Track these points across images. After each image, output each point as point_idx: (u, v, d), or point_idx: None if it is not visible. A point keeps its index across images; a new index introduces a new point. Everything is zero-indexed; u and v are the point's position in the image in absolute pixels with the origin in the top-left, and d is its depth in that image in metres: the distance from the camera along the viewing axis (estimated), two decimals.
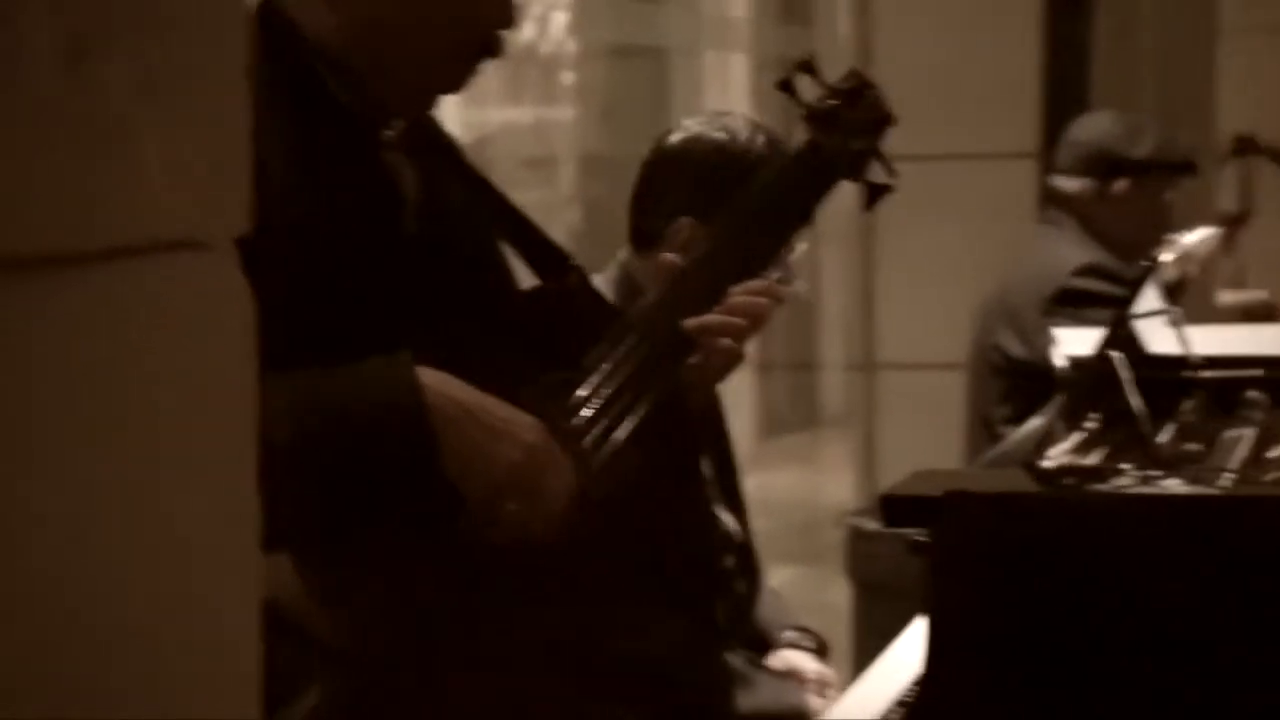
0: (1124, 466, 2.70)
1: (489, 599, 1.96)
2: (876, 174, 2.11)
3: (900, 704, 2.37)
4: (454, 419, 1.89)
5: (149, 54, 0.99)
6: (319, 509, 1.88)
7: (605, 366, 2.02)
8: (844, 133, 2.11)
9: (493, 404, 1.92)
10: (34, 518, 0.93)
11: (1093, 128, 4.51)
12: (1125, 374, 2.68)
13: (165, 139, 1.00)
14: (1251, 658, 2.08)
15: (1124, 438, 2.78)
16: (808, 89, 2.15)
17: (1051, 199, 4.54)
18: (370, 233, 2.00)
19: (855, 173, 2.11)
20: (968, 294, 4.83)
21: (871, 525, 4.70)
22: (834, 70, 2.17)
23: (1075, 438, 2.62)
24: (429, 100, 2.07)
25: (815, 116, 2.12)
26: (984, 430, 4.32)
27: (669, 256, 2.17)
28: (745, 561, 3.00)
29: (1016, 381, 4.27)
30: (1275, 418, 3.06)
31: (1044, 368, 3.94)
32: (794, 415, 11.26)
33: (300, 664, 1.86)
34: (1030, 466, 2.48)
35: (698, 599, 2.79)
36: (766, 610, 3.02)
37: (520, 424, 1.93)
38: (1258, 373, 3.17)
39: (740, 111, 3.00)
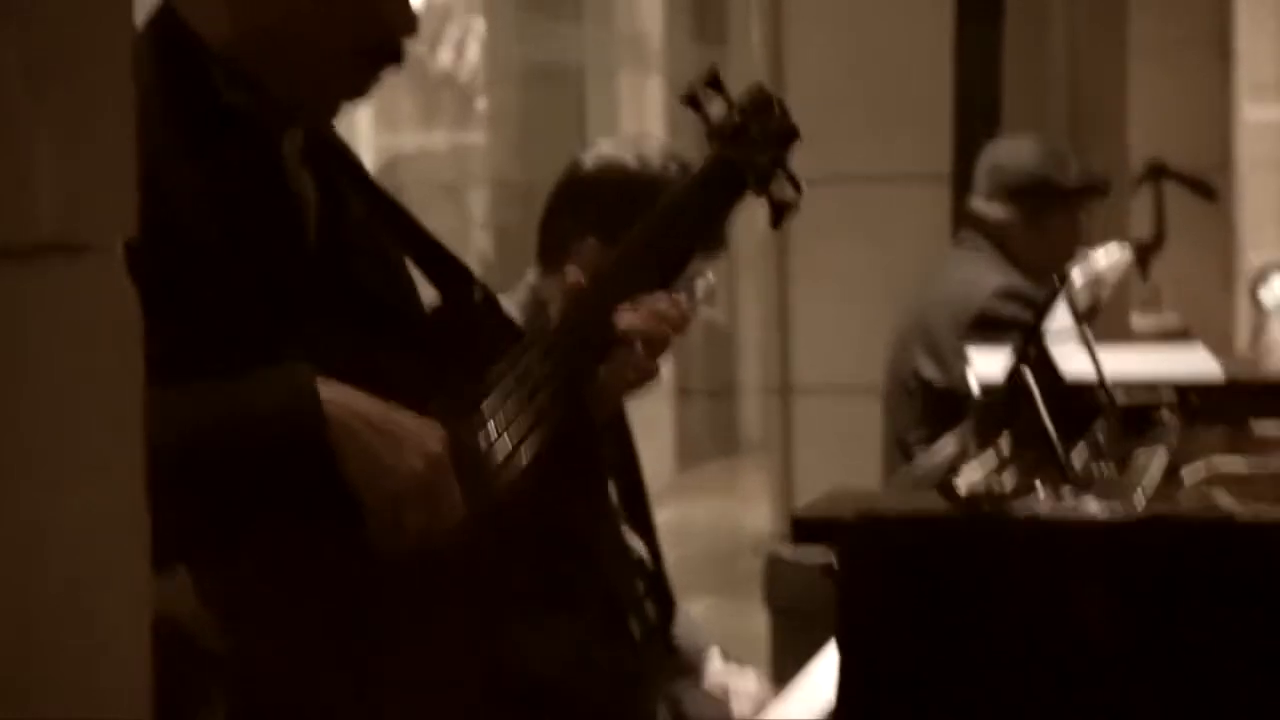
0: (1036, 487, 2.70)
1: (386, 612, 1.94)
2: (783, 190, 2.09)
3: None
4: (353, 428, 1.87)
5: (34, 46, 0.96)
6: (214, 518, 1.85)
7: (508, 382, 2.00)
8: (749, 147, 2.10)
9: (394, 413, 1.90)
10: None
11: (1018, 155, 4.50)
12: (1036, 393, 2.67)
13: (50, 137, 0.97)
14: (1166, 677, 2.07)
15: (1036, 458, 2.79)
16: (715, 104, 2.12)
17: (969, 222, 4.53)
18: (269, 241, 1.98)
19: (761, 188, 2.10)
20: (882, 316, 4.83)
21: (788, 552, 4.66)
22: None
23: (987, 459, 2.61)
24: (330, 107, 2.05)
25: (720, 131, 2.10)
26: (901, 454, 4.31)
27: (573, 271, 2.14)
28: (657, 587, 2.98)
29: (932, 405, 4.26)
30: (1186, 438, 3.07)
31: (960, 391, 3.97)
32: (712, 443, 11.23)
33: (200, 680, 1.84)
34: (942, 487, 2.47)
35: (605, 618, 2.80)
36: (684, 634, 3.00)
37: (422, 433, 1.91)
38: (1168, 394, 3.19)
39: (656, 136, 3.01)
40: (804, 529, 2.25)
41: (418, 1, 2.03)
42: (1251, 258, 10.68)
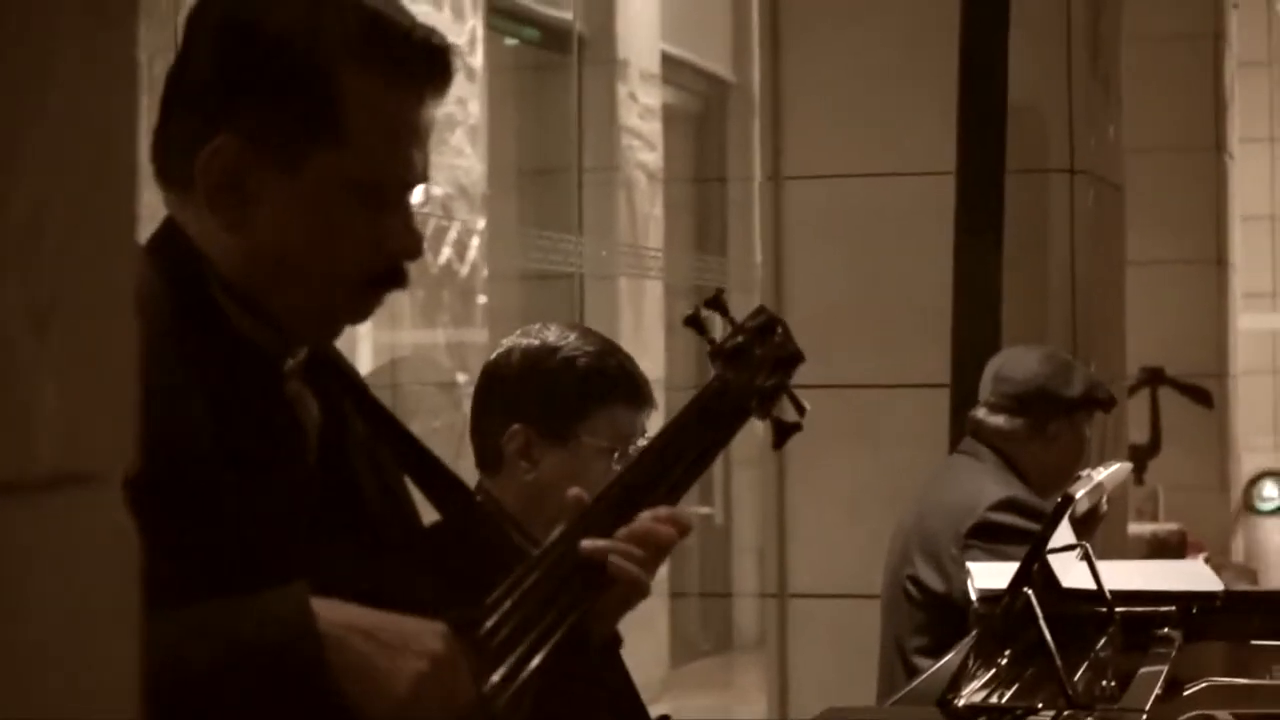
0: (1039, 706, 2.68)
1: None
2: (786, 411, 2.08)
3: None
4: (346, 641, 1.83)
5: (38, 283, 0.96)
6: None
7: (509, 602, 1.98)
8: (752, 370, 2.08)
9: (390, 620, 1.87)
10: None
11: (1023, 367, 4.53)
12: (1040, 615, 2.67)
13: (54, 369, 0.97)
14: None
15: (1037, 674, 2.78)
16: (717, 326, 2.13)
17: (972, 431, 4.54)
18: (271, 465, 1.96)
19: (764, 410, 2.08)
20: (880, 523, 4.82)
21: None
22: (746, 301, 2.14)
23: (988, 675, 2.60)
24: (333, 330, 2.04)
25: (723, 353, 2.09)
26: (900, 660, 4.28)
27: (576, 491, 2.13)
28: None
29: (932, 614, 4.27)
30: (1187, 654, 3.05)
31: (960, 601, 3.97)
32: (706, 640, 11.17)
33: None
34: (943, 705, 2.46)
35: None
36: None
37: (423, 634, 1.87)
38: (1170, 608, 3.18)
39: (562, 322, 3.04)
40: None
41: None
42: (1245, 463, 10.71)
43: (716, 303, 2.12)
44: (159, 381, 1.78)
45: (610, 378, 2.93)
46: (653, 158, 9.76)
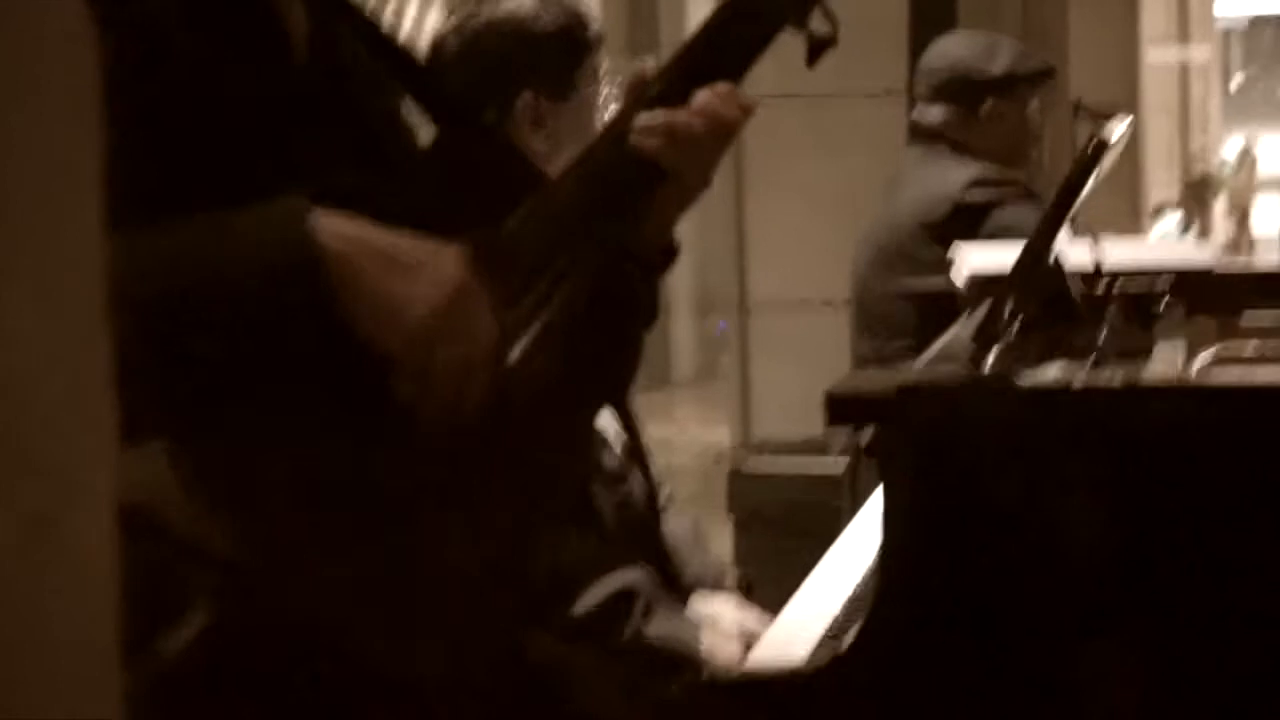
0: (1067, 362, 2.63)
1: (416, 501, 1.68)
2: (818, 23, 1.86)
3: (830, 636, 2.26)
4: (356, 261, 1.61)
5: None
6: (197, 383, 1.60)
7: (540, 217, 1.75)
8: None
9: (404, 240, 1.65)
10: None
11: (945, 53, 4.38)
12: (1069, 277, 2.60)
13: None
14: (1243, 559, 2.02)
15: (1054, 340, 2.70)
16: None
17: (916, 131, 4.42)
18: (249, 59, 1.73)
19: (798, 20, 1.85)
20: (839, 232, 4.77)
21: (752, 467, 4.72)
22: None
23: (1005, 343, 2.54)
24: None
25: None
26: (877, 366, 4.19)
27: (640, 66, 1.97)
28: (637, 462, 2.80)
29: (913, 314, 4.16)
30: (1195, 329, 3.02)
31: (943, 294, 3.90)
32: (642, 376, 11.14)
33: (182, 581, 1.58)
34: (973, 363, 2.40)
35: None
36: (682, 543, 2.84)
37: (441, 257, 1.65)
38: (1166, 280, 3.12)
39: None
40: (839, 406, 2.16)
41: None
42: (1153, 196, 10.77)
43: None
44: None
45: (584, 23, 2.86)
46: None
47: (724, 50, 1.85)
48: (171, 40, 1.66)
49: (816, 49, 1.86)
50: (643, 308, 1.88)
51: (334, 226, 1.61)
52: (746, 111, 1.82)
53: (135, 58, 1.62)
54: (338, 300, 1.60)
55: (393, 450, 1.66)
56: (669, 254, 1.89)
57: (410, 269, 1.63)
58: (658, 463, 2.82)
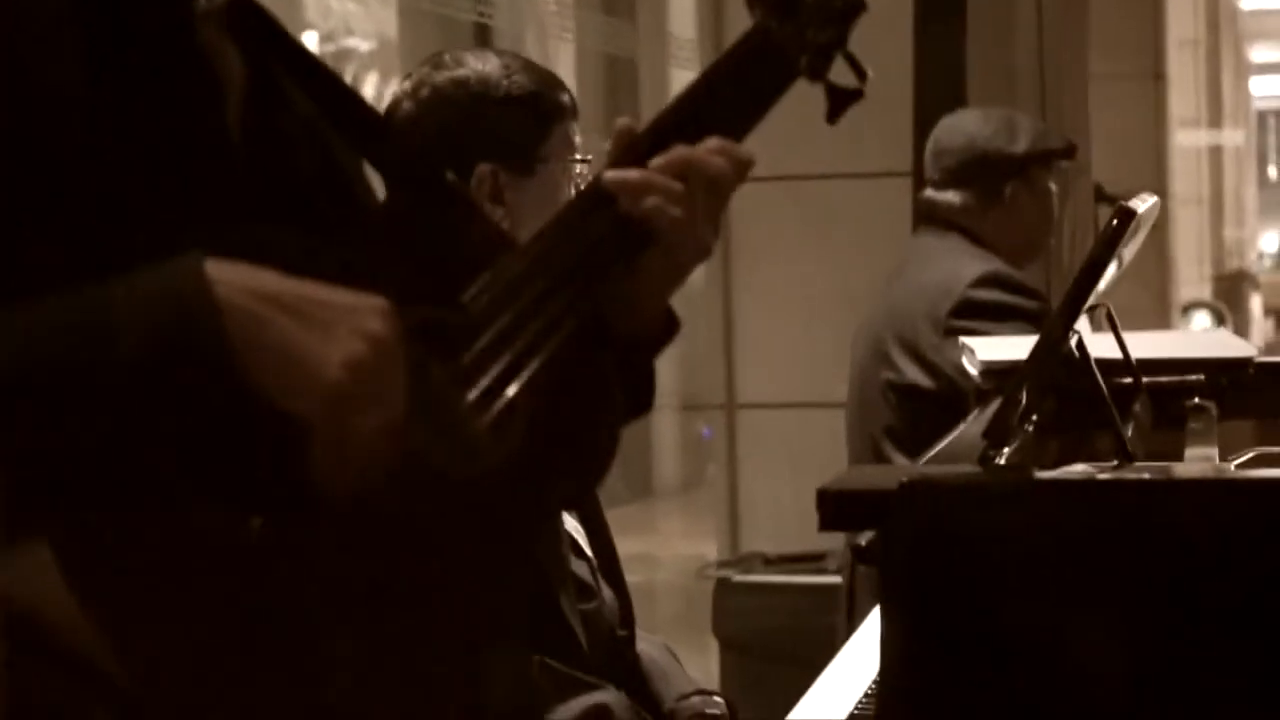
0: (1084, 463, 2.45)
1: (333, 593, 1.53)
2: (842, 76, 1.72)
3: None
4: (260, 315, 1.47)
5: None
6: (83, 471, 1.45)
7: (499, 288, 1.60)
8: (801, 19, 1.70)
9: (318, 290, 1.50)
10: None
11: (961, 130, 4.18)
12: (1089, 367, 2.38)
13: None
14: (1236, 650, 1.86)
15: (1073, 440, 2.54)
16: None
17: (929, 216, 4.20)
18: (180, 125, 1.59)
19: (816, 71, 1.70)
20: (834, 328, 4.59)
21: (738, 578, 4.77)
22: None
23: (1020, 439, 2.38)
24: None
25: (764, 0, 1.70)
26: (877, 462, 3.98)
27: (624, 121, 1.72)
28: (614, 581, 2.75)
29: (915, 410, 3.96)
30: (1230, 432, 2.84)
31: (948, 390, 3.68)
32: (626, 489, 11.00)
33: (72, 696, 1.45)
34: (983, 460, 2.20)
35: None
36: (658, 669, 2.78)
37: (359, 309, 1.50)
38: (1198, 377, 2.93)
39: (463, 48, 2.81)
40: (834, 505, 1.97)
41: None
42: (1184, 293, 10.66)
43: None
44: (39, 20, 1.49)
45: (552, 92, 2.73)
46: None
47: (726, 103, 1.71)
48: (88, 100, 1.53)
49: (839, 102, 1.73)
50: (632, 392, 1.79)
51: (233, 276, 1.47)
52: (741, 168, 1.69)
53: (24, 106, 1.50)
54: (239, 359, 1.46)
55: (294, 526, 1.52)
56: (667, 331, 1.79)
57: (326, 324, 1.49)
58: (637, 579, 2.78)
